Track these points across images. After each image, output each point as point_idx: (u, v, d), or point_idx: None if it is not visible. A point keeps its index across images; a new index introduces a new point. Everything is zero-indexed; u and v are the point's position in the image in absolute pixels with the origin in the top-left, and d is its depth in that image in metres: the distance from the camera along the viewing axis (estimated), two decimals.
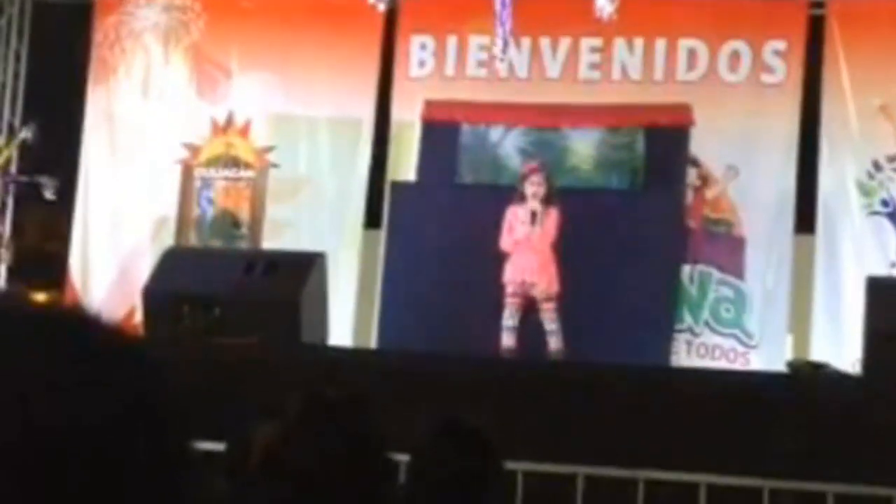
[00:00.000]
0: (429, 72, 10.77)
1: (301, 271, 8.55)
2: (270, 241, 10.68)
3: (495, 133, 10.52)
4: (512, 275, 9.19)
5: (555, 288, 9.14)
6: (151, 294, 8.61)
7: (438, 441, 3.44)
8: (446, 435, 3.46)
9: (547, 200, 9.16)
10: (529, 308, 9.18)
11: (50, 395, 0.97)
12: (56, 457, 0.96)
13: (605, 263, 9.44)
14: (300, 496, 2.86)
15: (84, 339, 1.03)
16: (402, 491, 3.54)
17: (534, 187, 9.17)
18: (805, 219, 10.06)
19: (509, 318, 9.14)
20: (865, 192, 9.97)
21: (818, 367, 8.33)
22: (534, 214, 9.11)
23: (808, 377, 7.93)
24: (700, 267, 10.18)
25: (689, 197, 10.18)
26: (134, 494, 0.99)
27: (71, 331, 1.03)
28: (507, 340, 9.12)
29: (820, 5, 10.31)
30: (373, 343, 9.93)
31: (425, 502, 3.36)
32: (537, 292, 9.16)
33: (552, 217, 9.13)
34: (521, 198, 9.21)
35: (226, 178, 11.06)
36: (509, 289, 9.19)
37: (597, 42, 10.48)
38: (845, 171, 10.02)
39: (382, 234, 10.39)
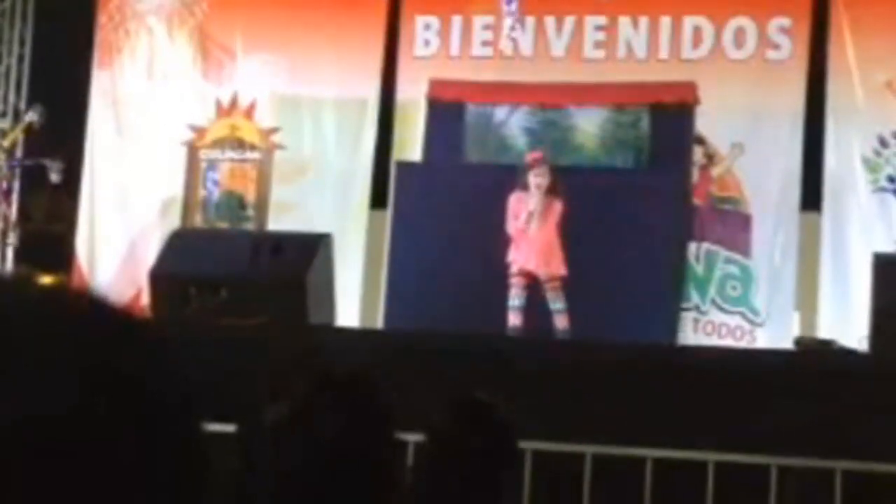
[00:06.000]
0: (434, 52, 10.75)
1: (308, 252, 8.55)
2: (276, 223, 10.68)
3: (500, 112, 10.50)
4: (515, 258, 9.20)
5: (560, 272, 9.14)
6: (158, 276, 8.61)
7: (457, 419, 3.44)
8: (465, 413, 3.47)
9: (551, 191, 9.15)
10: (535, 288, 9.19)
11: (48, 379, 0.96)
12: (56, 442, 0.95)
13: (611, 242, 9.44)
14: (308, 476, 2.87)
15: (86, 319, 1.02)
16: (412, 470, 3.54)
17: (538, 178, 9.15)
18: (811, 196, 10.05)
19: (515, 299, 9.14)
20: (872, 168, 9.95)
21: (825, 345, 8.34)
22: (530, 214, 9.09)
23: (815, 354, 7.93)
24: (706, 245, 10.17)
25: (695, 175, 10.17)
26: (139, 479, 0.98)
27: (73, 311, 1.02)
28: (514, 320, 9.13)
29: None
30: (380, 323, 9.94)
31: (444, 480, 3.37)
32: (541, 275, 9.17)
33: (555, 210, 9.12)
34: (525, 185, 9.21)
35: (231, 160, 11.06)
36: (514, 268, 9.20)
37: (601, 20, 10.46)
38: (851, 148, 10.01)
39: (388, 215, 10.38)
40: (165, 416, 1.01)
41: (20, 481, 0.93)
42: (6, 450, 0.94)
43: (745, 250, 10.13)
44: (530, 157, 9.56)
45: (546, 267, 9.13)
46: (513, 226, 9.18)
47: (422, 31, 10.77)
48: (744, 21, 10.26)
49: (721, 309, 10.14)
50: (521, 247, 9.18)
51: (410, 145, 10.62)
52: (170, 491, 0.99)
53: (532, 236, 9.13)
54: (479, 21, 10.64)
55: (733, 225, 10.18)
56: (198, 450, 1.03)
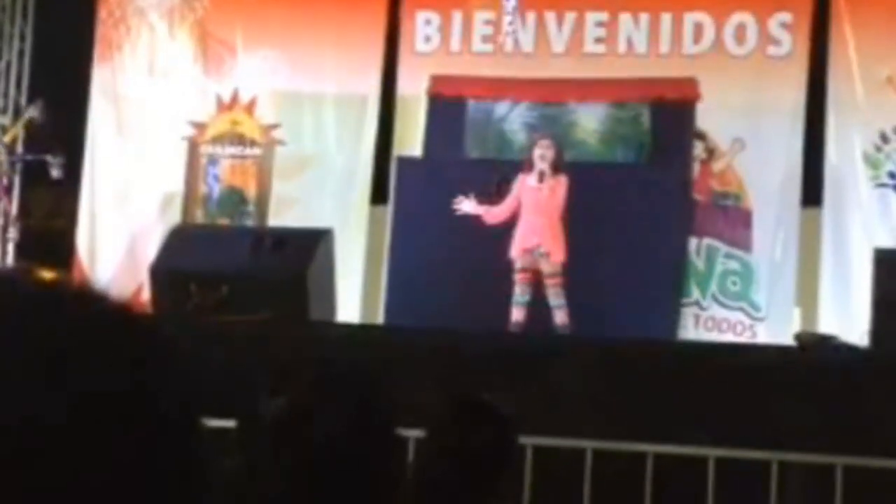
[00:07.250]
0: (434, 47, 10.75)
1: (308, 248, 8.55)
2: (277, 219, 10.68)
3: (501, 108, 10.51)
4: (520, 241, 9.17)
5: (561, 256, 9.13)
6: (159, 272, 8.61)
7: (457, 418, 3.44)
8: (465, 412, 3.46)
9: (555, 167, 9.17)
10: (538, 283, 9.18)
11: (47, 378, 0.96)
12: (56, 442, 0.95)
13: (612, 238, 9.45)
14: (309, 472, 2.87)
15: (86, 316, 1.02)
16: (412, 466, 3.54)
17: (542, 150, 9.19)
18: (812, 191, 10.04)
19: (520, 295, 9.14)
20: (872, 164, 9.95)
21: (825, 340, 8.33)
22: (542, 174, 9.12)
23: (815, 350, 7.93)
24: (707, 240, 10.17)
25: (696, 170, 10.17)
26: (139, 478, 0.98)
27: (73, 308, 1.02)
28: (516, 315, 9.13)
29: None
30: (380, 319, 9.94)
31: (444, 479, 3.37)
32: (544, 264, 9.15)
33: (561, 184, 9.15)
34: (530, 166, 9.24)
35: (232, 156, 11.06)
36: (518, 263, 9.19)
37: (602, 16, 10.46)
38: (852, 144, 10.00)
39: (389, 210, 10.39)
40: (166, 413, 1.01)
41: (20, 481, 0.93)
42: (6, 450, 0.93)
43: (745, 246, 10.13)
44: (535, 136, 9.63)
45: (548, 241, 9.08)
46: (525, 188, 9.14)
47: (422, 27, 10.77)
48: (744, 17, 10.26)
49: (722, 304, 10.13)
50: (524, 223, 9.14)
51: (411, 141, 10.62)
52: (170, 490, 0.99)
53: (536, 209, 9.10)
54: (479, 17, 10.64)
55: (734, 220, 10.18)
56: (198, 448, 1.03)
